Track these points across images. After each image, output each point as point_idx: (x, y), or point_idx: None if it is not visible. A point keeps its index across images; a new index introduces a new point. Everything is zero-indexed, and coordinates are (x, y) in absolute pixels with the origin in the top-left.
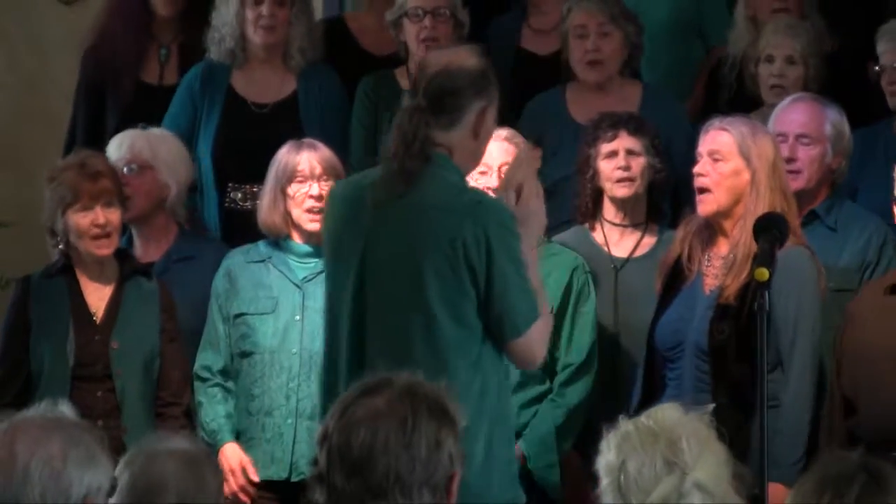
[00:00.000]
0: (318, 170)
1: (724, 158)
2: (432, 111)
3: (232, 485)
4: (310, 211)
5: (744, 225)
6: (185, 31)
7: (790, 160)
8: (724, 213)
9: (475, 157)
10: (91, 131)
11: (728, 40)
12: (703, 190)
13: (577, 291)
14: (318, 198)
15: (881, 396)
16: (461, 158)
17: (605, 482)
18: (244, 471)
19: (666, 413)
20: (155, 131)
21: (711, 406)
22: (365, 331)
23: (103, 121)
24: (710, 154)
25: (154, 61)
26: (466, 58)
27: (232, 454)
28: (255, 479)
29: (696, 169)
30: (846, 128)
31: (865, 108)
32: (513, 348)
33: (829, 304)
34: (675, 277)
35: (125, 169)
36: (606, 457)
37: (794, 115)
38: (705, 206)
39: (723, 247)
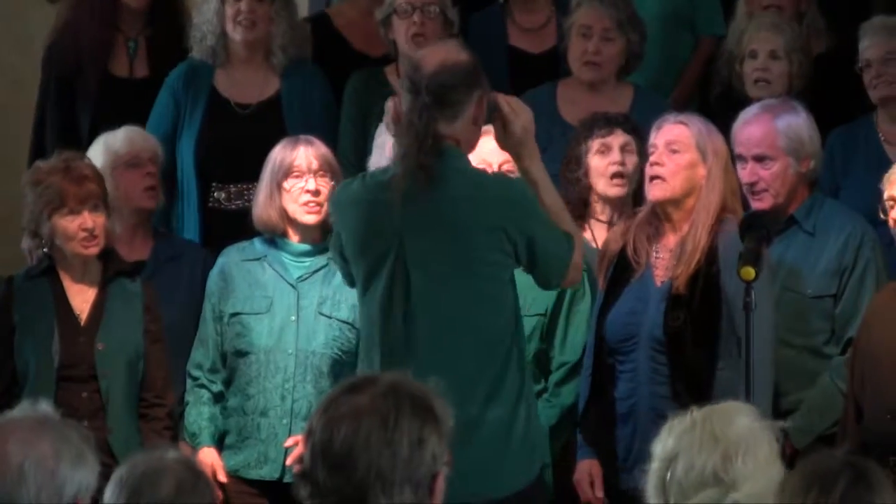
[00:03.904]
0: (314, 165)
1: (682, 150)
2: (438, 107)
3: None
4: (306, 205)
5: (696, 218)
6: (153, 23)
7: (752, 184)
8: (676, 203)
9: (474, 144)
10: (63, 128)
11: (727, 34)
12: (656, 177)
13: (572, 289)
14: (315, 192)
15: (885, 397)
16: (466, 147)
17: (654, 465)
18: (215, 476)
19: (735, 419)
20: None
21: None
22: (413, 325)
23: (75, 117)
24: (668, 145)
25: (123, 54)
26: (458, 52)
27: (207, 459)
28: (223, 480)
29: (652, 158)
30: (805, 131)
31: (856, 109)
32: (560, 282)
33: (807, 310)
34: (622, 271)
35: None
36: (665, 441)
37: (746, 134)
38: (658, 190)
39: (671, 239)
